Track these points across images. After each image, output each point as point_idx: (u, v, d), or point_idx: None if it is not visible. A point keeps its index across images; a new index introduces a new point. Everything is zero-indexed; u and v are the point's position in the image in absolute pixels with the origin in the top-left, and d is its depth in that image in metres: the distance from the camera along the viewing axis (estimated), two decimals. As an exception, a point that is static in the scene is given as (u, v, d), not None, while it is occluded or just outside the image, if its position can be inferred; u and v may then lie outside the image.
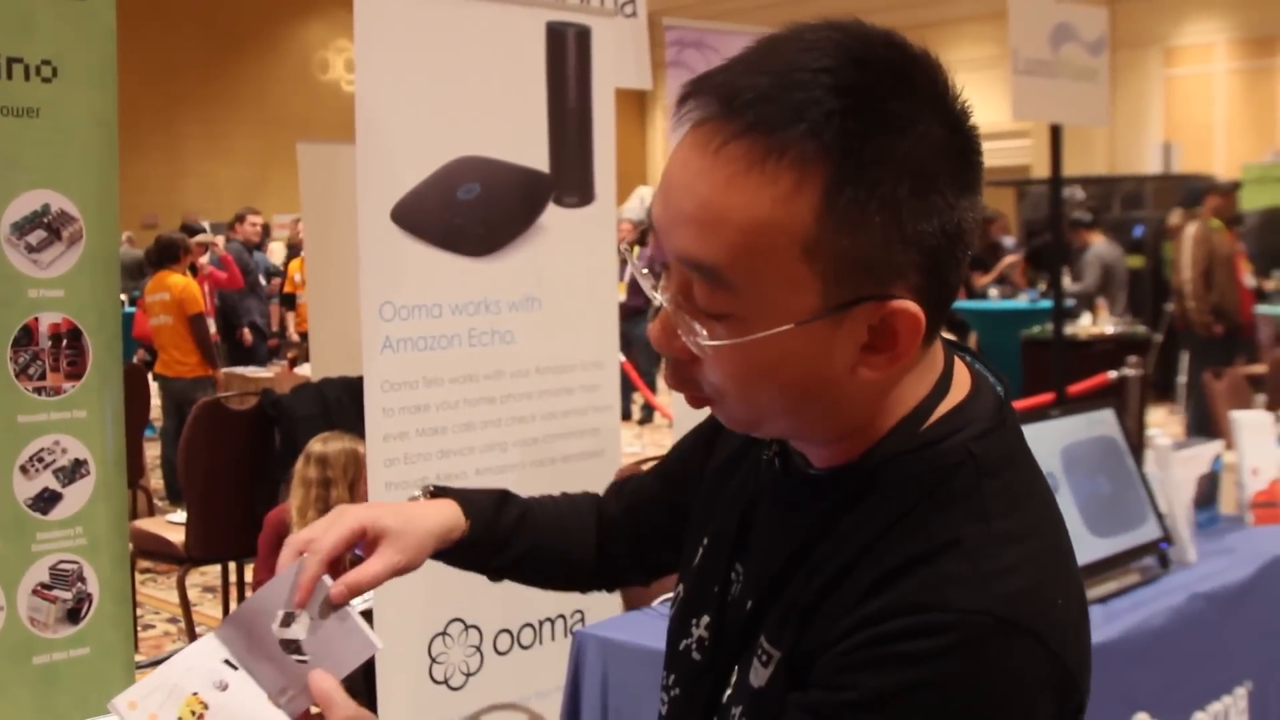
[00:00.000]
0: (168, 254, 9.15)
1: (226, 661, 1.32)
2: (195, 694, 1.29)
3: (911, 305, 1.07)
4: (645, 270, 1.15)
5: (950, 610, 1.04)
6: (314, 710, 1.31)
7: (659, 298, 1.13)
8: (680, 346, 1.12)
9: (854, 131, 1.02)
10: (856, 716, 1.04)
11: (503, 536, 1.52)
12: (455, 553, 1.50)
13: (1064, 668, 1.08)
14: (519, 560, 1.56)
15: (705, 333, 1.08)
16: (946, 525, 1.10)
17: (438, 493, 1.51)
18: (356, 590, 1.33)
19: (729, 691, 1.23)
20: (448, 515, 1.48)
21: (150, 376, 9.15)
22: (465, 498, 1.51)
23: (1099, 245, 11.44)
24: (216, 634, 1.34)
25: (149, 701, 1.29)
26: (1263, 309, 11.28)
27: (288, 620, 1.30)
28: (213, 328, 10.40)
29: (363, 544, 1.40)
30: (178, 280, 9.01)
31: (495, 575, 1.59)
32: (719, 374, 1.11)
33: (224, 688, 1.30)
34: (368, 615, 1.27)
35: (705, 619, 1.31)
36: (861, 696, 1.04)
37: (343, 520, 1.37)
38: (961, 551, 1.08)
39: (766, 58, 1.07)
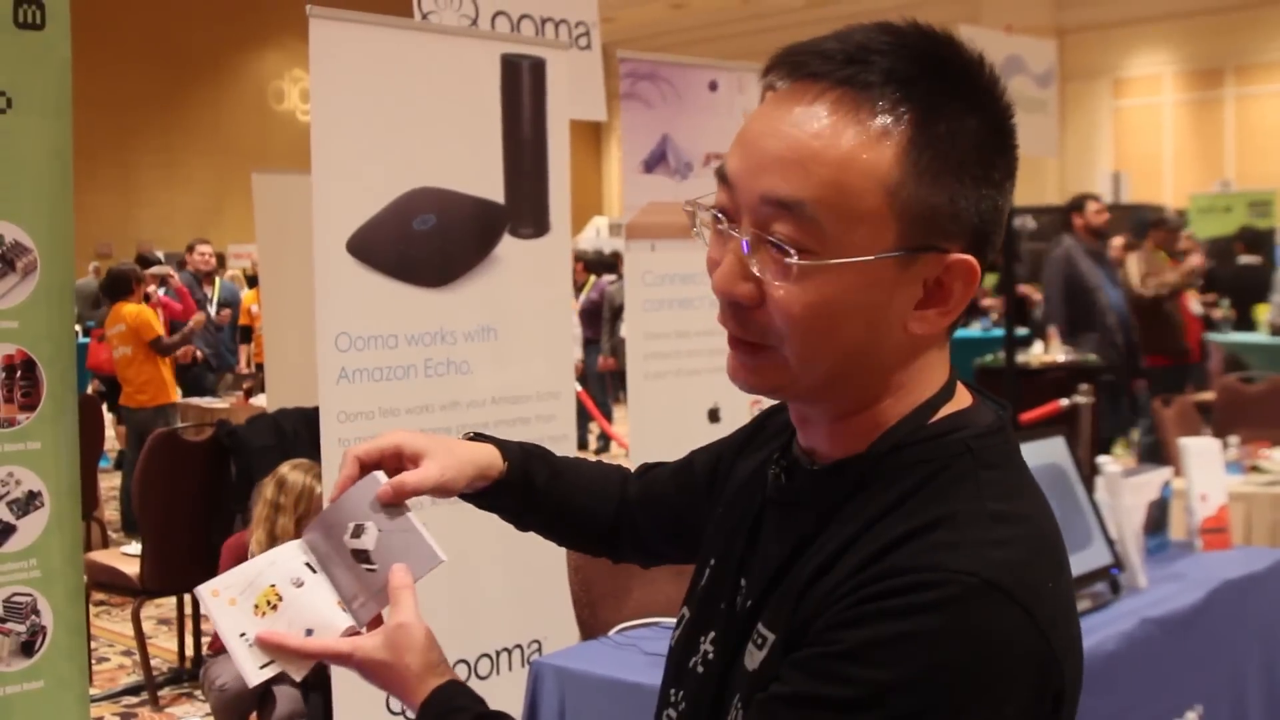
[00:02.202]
0: (121, 286, 9.07)
1: (308, 565, 1.42)
2: (273, 586, 1.39)
3: (970, 258, 1.16)
4: (716, 215, 1.21)
5: (939, 570, 1.07)
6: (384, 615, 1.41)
7: (738, 235, 1.18)
8: (746, 290, 1.18)
9: (938, 93, 1.14)
10: (841, 667, 1.07)
11: (535, 487, 1.59)
12: (489, 494, 1.57)
13: (1048, 646, 1.09)
14: (546, 515, 1.63)
15: (794, 255, 1.14)
16: (942, 504, 1.14)
17: (475, 437, 1.58)
18: (403, 490, 1.42)
19: (728, 683, 1.26)
20: (487, 453, 1.55)
21: (105, 408, 9.06)
22: (502, 444, 1.58)
23: None
24: (304, 538, 1.45)
25: (230, 590, 1.40)
26: (1213, 337, 11.40)
27: (358, 531, 1.41)
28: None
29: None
30: (131, 309, 8.93)
31: (522, 524, 1.65)
32: (785, 313, 1.15)
33: (300, 584, 1.40)
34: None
35: (712, 634, 1.34)
36: (847, 649, 1.07)
37: (385, 435, 1.47)
38: (955, 523, 1.12)
39: (849, 34, 1.18)
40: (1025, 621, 1.08)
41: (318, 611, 1.38)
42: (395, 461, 1.47)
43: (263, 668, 1.35)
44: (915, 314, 1.17)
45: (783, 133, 1.15)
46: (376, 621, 1.39)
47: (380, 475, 1.43)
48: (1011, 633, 1.07)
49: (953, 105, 1.14)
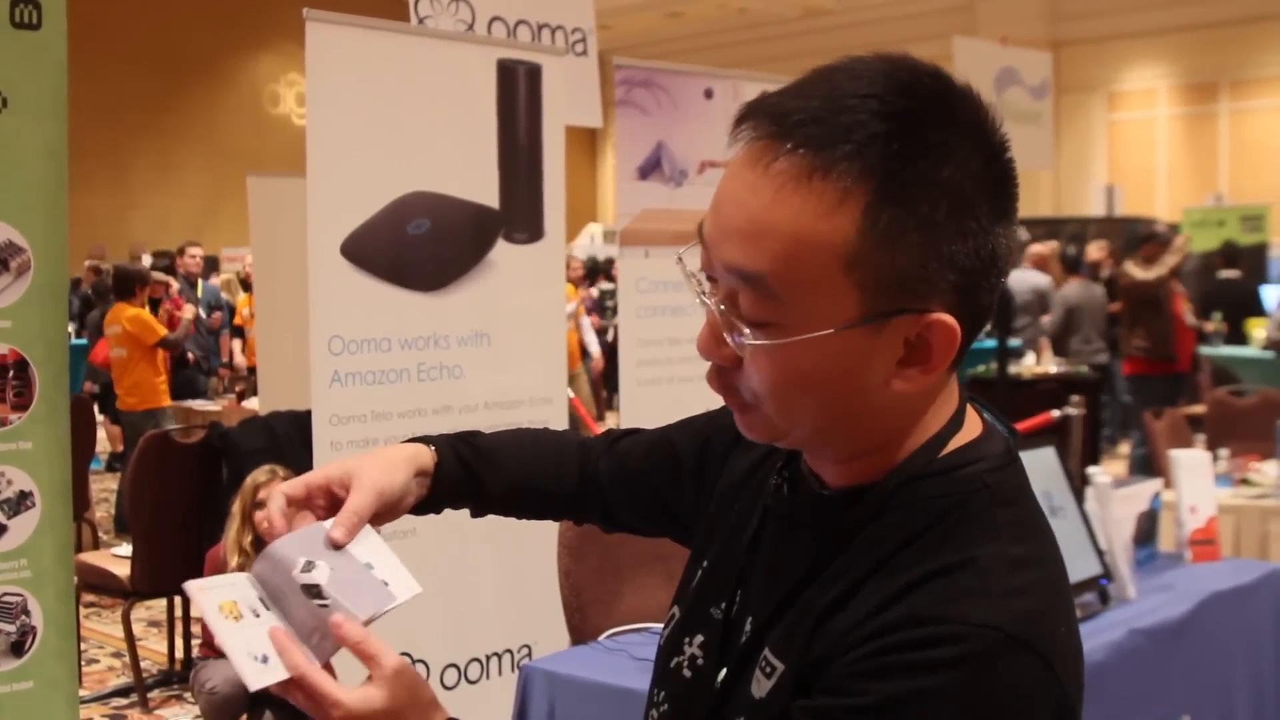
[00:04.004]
0: (126, 287, 8.98)
1: (260, 599, 1.36)
2: (235, 602, 1.34)
3: (948, 318, 1.12)
4: (697, 279, 1.20)
5: (962, 623, 1.07)
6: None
7: (709, 302, 1.17)
8: (724, 353, 1.17)
9: (897, 154, 1.08)
10: None
11: (475, 469, 1.55)
12: (434, 493, 1.52)
13: (1064, 691, 1.11)
14: (498, 496, 1.59)
15: (748, 333, 1.13)
16: (961, 545, 1.14)
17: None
18: (354, 524, 1.37)
19: (728, 704, 1.26)
20: (412, 447, 1.50)
21: (97, 409, 9.01)
22: (428, 437, 1.54)
23: (1070, 287, 11.48)
24: (252, 570, 1.38)
25: (208, 586, 1.34)
26: (1205, 350, 11.42)
27: (308, 567, 1.34)
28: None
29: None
30: (130, 313, 8.86)
31: (478, 510, 1.61)
32: (760, 380, 1.15)
33: (256, 615, 1.34)
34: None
35: (699, 638, 1.34)
36: (870, 702, 1.07)
37: (312, 474, 1.42)
38: (976, 569, 1.12)
39: (818, 84, 1.13)
40: (1045, 672, 1.09)
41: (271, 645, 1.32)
42: (327, 496, 1.42)
43: (258, 672, 1.29)
44: (898, 372, 1.15)
45: (742, 200, 1.12)
46: (328, 667, 1.33)
47: (328, 524, 1.38)
48: (1033, 684, 1.09)
49: (920, 162, 1.09)
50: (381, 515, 1.42)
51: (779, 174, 1.10)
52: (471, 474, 1.55)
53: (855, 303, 1.11)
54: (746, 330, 1.13)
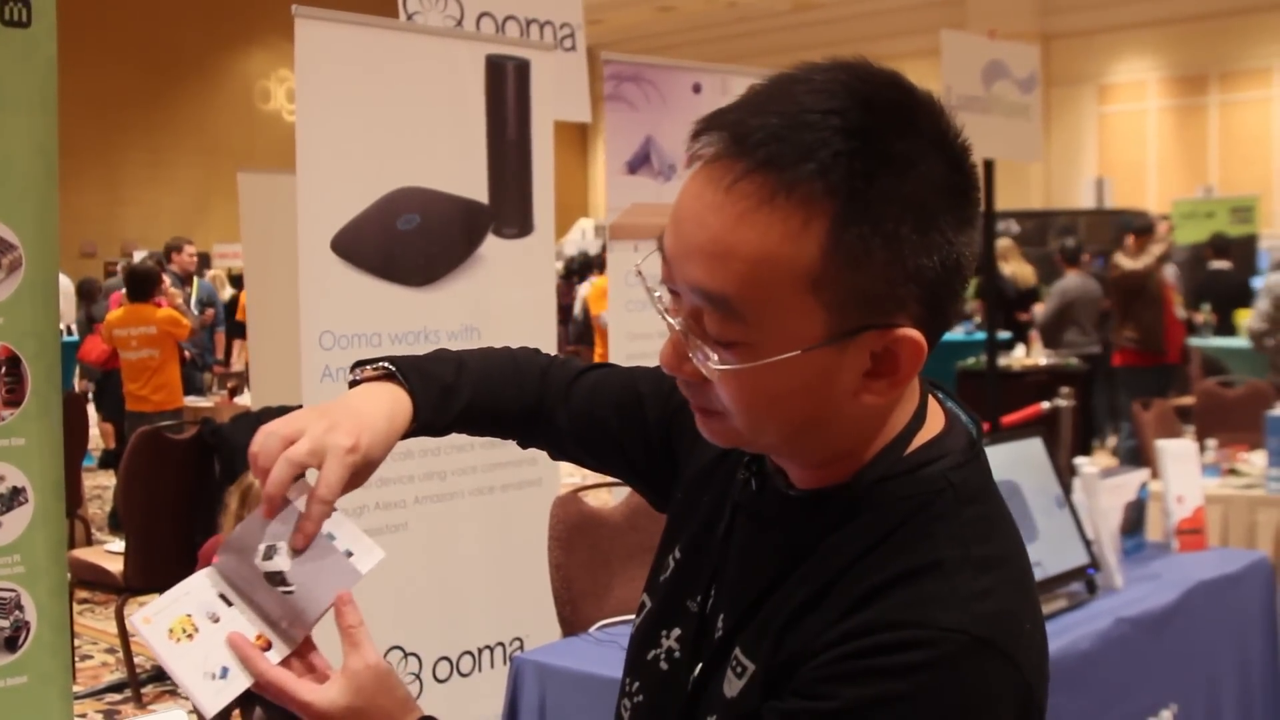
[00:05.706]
0: (143, 289, 8.82)
1: (221, 596, 1.33)
2: (189, 615, 1.32)
3: (915, 333, 1.12)
4: (659, 294, 1.20)
5: (930, 627, 1.09)
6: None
7: (672, 321, 1.17)
8: (690, 369, 1.17)
9: (860, 172, 1.07)
10: None
11: (443, 424, 1.52)
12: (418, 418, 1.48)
13: (1029, 688, 1.13)
14: (456, 426, 1.55)
15: (715, 358, 1.13)
16: (928, 547, 1.15)
17: (390, 374, 1.47)
18: (319, 513, 1.32)
19: (701, 701, 1.27)
20: (403, 417, 1.44)
21: (94, 406, 8.97)
22: (421, 393, 1.47)
23: (1067, 279, 11.46)
24: (215, 565, 1.35)
25: (158, 616, 1.32)
26: (1194, 341, 11.45)
27: (269, 553, 1.31)
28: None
29: None
30: (160, 314, 8.76)
31: (435, 436, 1.57)
32: (727, 397, 1.15)
33: (215, 620, 1.32)
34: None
35: (676, 631, 1.35)
36: (840, 706, 1.09)
37: (340, 459, 1.32)
38: (942, 573, 1.13)
39: (777, 98, 1.11)
40: (1011, 672, 1.11)
41: (231, 652, 1.31)
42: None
43: (217, 691, 1.28)
44: (865, 385, 1.15)
45: (704, 220, 1.11)
46: (308, 645, 1.34)
47: (300, 504, 1.32)
48: (999, 685, 1.11)
49: (884, 178, 1.08)
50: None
51: (742, 195, 1.08)
52: (437, 422, 1.50)
53: (821, 322, 1.11)
54: (713, 355, 1.13)
